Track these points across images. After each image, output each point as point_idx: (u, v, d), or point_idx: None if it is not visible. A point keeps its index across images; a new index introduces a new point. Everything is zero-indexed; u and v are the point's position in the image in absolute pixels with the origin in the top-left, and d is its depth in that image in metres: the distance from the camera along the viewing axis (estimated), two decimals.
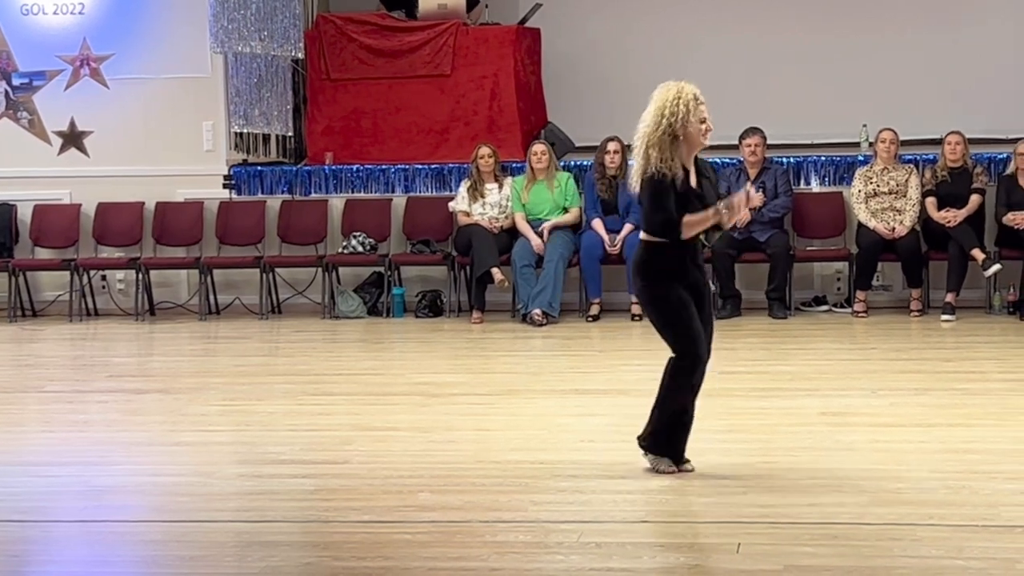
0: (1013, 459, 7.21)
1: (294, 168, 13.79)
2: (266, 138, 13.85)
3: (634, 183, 7.09)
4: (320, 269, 13.14)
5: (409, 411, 8.84)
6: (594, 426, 8.26)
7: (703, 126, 7.02)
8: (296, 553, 6.03)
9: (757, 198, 7.27)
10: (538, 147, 12.82)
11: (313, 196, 13.61)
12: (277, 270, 13.34)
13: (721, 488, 6.83)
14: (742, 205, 7.07)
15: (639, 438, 7.19)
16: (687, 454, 7.12)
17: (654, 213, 6.95)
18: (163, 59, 13.58)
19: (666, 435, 7.10)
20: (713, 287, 12.16)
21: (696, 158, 7.12)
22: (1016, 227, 11.99)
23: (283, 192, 13.65)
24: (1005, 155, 12.63)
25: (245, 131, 13.64)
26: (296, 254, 13.35)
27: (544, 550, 5.91)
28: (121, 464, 7.80)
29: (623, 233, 12.43)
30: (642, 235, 7.12)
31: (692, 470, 7.07)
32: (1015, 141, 12.47)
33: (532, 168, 12.71)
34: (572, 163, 13.26)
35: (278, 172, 13.74)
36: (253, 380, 10.14)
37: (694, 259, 7.07)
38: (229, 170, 13.70)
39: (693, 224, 6.94)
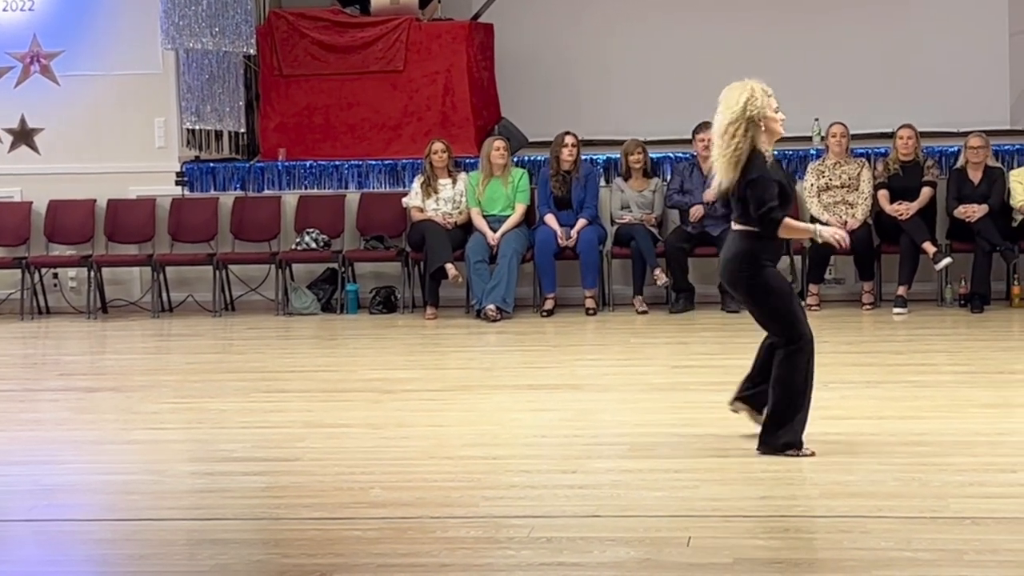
0: (962, 451, 7.25)
1: (247, 164, 13.75)
2: (218, 134, 13.78)
3: (723, 173, 7.14)
4: (273, 266, 13.10)
5: (362, 408, 8.82)
6: (547, 421, 8.26)
7: (778, 114, 7.22)
8: (246, 550, 6.00)
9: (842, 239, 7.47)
10: (499, 142, 12.81)
11: (266, 192, 13.58)
12: (230, 267, 13.30)
13: (673, 482, 6.84)
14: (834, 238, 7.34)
15: (766, 445, 7.18)
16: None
17: (764, 203, 7.03)
18: (114, 56, 13.51)
19: (803, 421, 7.16)
20: (667, 280, 12.27)
21: None
22: (967, 220, 12.06)
23: (236, 189, 13.61)
24: (956, 148, 12.70)
25: (197, 128, 13.58)
26: (249, 251, 13.31)
27: (494, 545, 5.91)
28: (72, 463, 7.76)
29: (577, 228, 12.45)
30: (740, 226, 7.19)
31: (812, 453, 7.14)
32: (966, 135, 12.56)
33: (490, 163, 12.70)
34: (524, 159, 13.27)
35: (231, 169, 13.69)
36: (206, 377, 10.10)
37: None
38: (181, 167, 13.65)
39: (792, 228, 7.25)
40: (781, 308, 7.18)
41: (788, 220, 7.17)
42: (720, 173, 7.16)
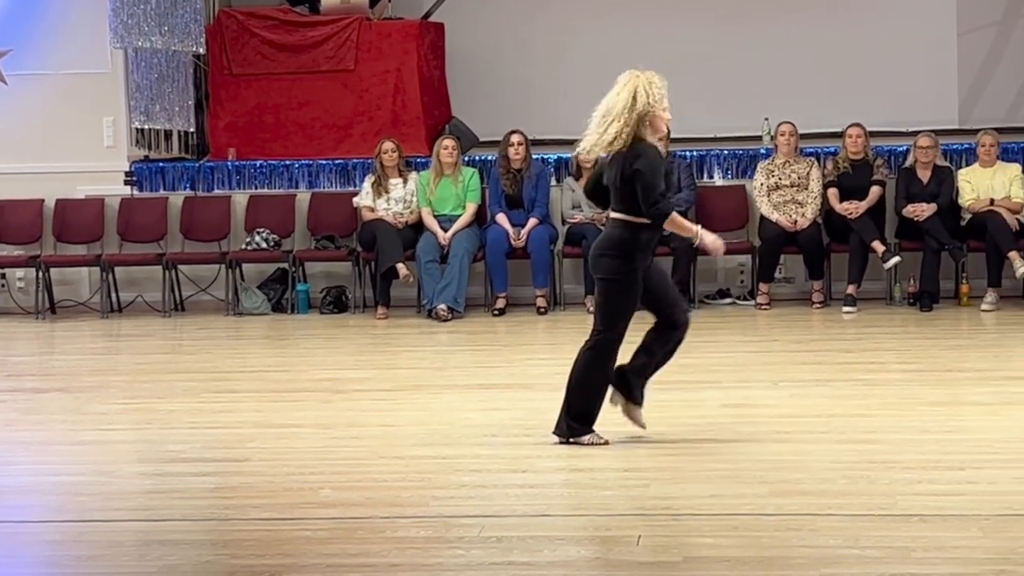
0: (911, 449, 7.28)
1: (196, 164, 13.69)
2: (168, 134, 13.72)
3: (592, 154, 7.47)
4: (223, 266, 13.05)
5: (313, 408, 8.79)
6: (498, 420, 8.25)
7: (666, 114, 7.38)
8: (195, 551, 5.97)
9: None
10: (448, 141, 12.81)
11: (216, 192, 13.52)
12: (180, 267, 13.24)
13: (622, 481, 6.85)
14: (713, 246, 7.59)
15: (562, 433, 7.44)
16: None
17: (653, 192, 7.18)
18: (62, 55, 13.43)
19: (598, 410, 7.45)
20: None
21: None
22: (916, 219, 12.12)
23: (185, 188, 13.56)
24: (905, 148, 12.77)
25: (146, 127, 13.51)
26: (199, 251, 13.26)
27: (444, 545, 5.90)
28: (20, 464, 7.73)
29: (528, 227, 12.45)
30: (619, 216, 7.33)
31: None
32: (915, 134, 12.62)
33: (440, 162, 12.69)
34: (476, 158, 13.27)
35: (180, 168, 13.64)
36: (155, 378, 10.05)
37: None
38: (130, 166, 13.58)
39: (677, 224, 7.44)
40: (620, 309, 7.35)
41: (675, 215, 7.36)
42: (596, 148, 7.37)
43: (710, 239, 7.52)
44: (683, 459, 7.22)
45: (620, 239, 7.33)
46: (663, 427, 7.88)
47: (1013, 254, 11.84)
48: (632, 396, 7.51)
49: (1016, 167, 12.38)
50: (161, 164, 13.66)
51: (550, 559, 5.68)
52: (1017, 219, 12.06)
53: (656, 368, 7.57)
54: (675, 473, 6.95)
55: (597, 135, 7.34)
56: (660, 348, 7.53)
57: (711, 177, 13.12)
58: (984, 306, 11.88)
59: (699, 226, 7.62)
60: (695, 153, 13.11)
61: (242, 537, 6.14)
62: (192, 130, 13.84)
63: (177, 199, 13.44)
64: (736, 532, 5.95)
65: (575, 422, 7.46)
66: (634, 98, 7.26)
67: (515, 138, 12.62)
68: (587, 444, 7.40)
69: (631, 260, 7.28)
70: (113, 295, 13.24)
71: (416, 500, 6.60)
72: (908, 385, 8.97)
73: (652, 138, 7.34)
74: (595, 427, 7.49)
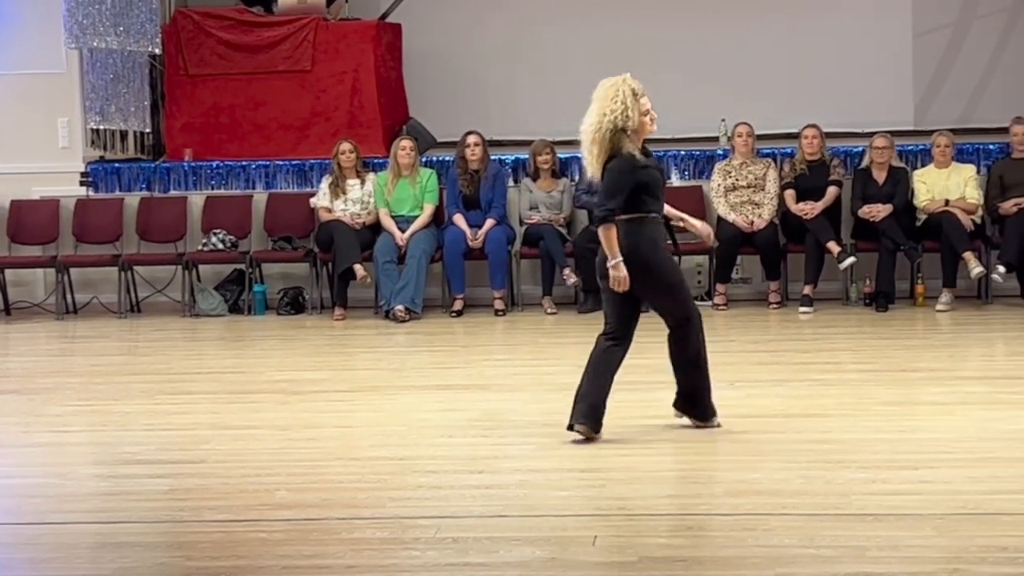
0: (866, 448, 7.31)
1: (152, 165, 13.64)
2: (123, 135, 13.66)
3: (594, 171, 7.70)
4: (180, 267, 13.00)
5: (269, 409, 8.77)
6: (454, 421, 8.25)
7: (647, 117, 7.62)
8: (149, 554, 5.94)
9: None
10: (405, 142, 12.80)
11: (172, 193, 13.48)
12: (136, 268, 13.19)
13: (579, 481, 6.86)
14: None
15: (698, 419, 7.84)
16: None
17: (600, 201, 7.65)
18: (16, 55, 13.36)
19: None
20: (576, 280, 12.28)
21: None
22: (871, 220, 12.17)
23: (141, 189, 13.51)
24: (861, 149, 12.83)
25: (102, 128, 13.45)
26: (155, 252, 13.22)
27: (400, 546, 5.89)
28: None
29: (485, 228, 12.45)
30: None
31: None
32: (871, 135, 12.68)
33: (398, 163, 12.68)
34: (434, 159, 13.26)
35: (136, 169, 13.59)
36: (110, 380, 10.01)
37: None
38: (86, 167, 13.53)
39: (607, 239, 7.56)
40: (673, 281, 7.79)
41: (610, 231, 7.52)
42: (591, 169, 7.73)
43: (614, 275, 7.57)
44: (639, 459, 7.23)
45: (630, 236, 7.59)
46: (619, 427, 7.89)
47: (968, 254, 11.90)
48: (699, 415, 7.83)
49: (971, 168, 12.46)
50: (117, 165, 13.60)
51: (506, 560, 5.68)
52: (972, 220, 12.13)
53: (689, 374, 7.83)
54: (631, 473, 6.96)
55: (587, 162, 7.78)
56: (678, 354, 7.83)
57: (668, 178, 13.11)
58: (939, 306, 11.94)
59: (618, 259, 7.56)
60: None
61: (197, 539, 6.12)
62: (148, 131, 13.78)
63: (133, 200, 13.40)
64: (691, 532, 5.97)
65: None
66: (600, 122, 7.54)
67: (471, 139, 12.62)
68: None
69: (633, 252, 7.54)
70: (68, 296, 13.18)
71: (372, 501, 6.59)
72: (863, 385, 9.00)
73: (631, 145, 7.55)
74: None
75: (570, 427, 7.54)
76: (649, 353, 10.31)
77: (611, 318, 7.71)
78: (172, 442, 7.95)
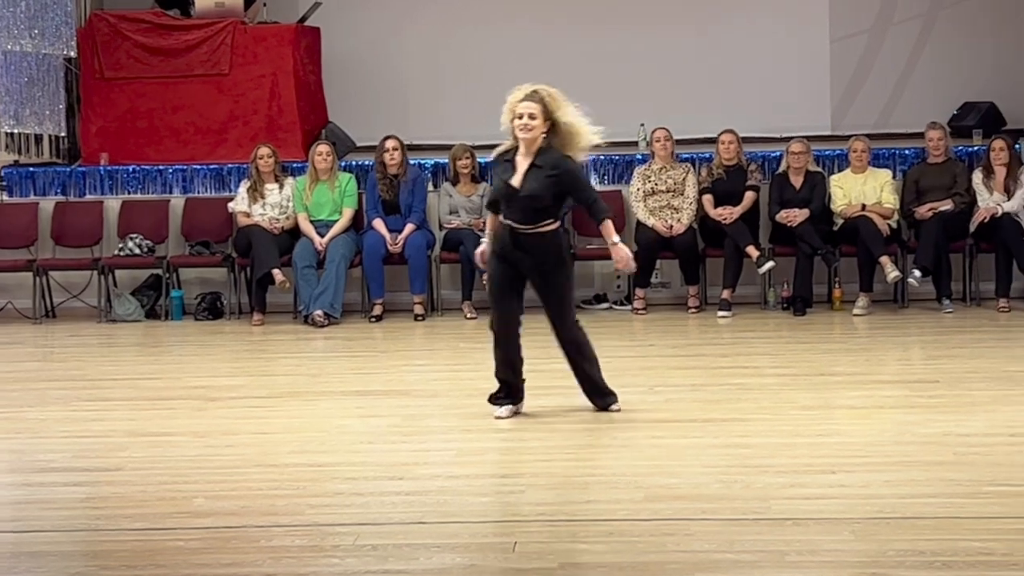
0: (784, 453, 7.34)
1: (68, 169, 13.50)
2: (38, 138, 13.54)
3: None
4: (96, 272, 12.87)
5: (187, 416, 8.69)
6: (374, 427, 8.21)
7: (513, 123, 8.00)
8: (65, 563, 5.87)
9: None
10: (322, 147, 12.74)
11: (88, 197, 13.35)
12: (51, 273, 13.04)
13: (499, 487, 6.86)
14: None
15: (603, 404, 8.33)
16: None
17: None
18: None
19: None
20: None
21: (551, 152, 8.02)
22: (789, 224, 12.24)
23: (57, 193, 13.37)
24: (778, 153, 12.89)
25: (16, 131, 13.32)
26: (71, 257, 13.08)
27: (320, 554, 5.86)
28: None
29: (405, 233, 12.41)
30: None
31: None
32: (788, 140, 12.75)
33: (315, 168, 12.62)
34: (354, 163, 13.21)
35: (51, 173, 13.45)
36: (25, 386, 9.88)
37: (526, 247, 8.10)
38: (0, 171, 13.35)
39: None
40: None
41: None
42: None
43: (479, 250, 8.45)
44: (559, 465, 7.23)
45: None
46: (539, 433, 7.91)
47: (884, 259, 11.99)
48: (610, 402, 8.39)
49: (887, 173, 12.56)
50: (31, 169, 13.46)
51: (426, 567, 5.67)
52: (888, 224, 12.23)
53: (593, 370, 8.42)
54: (550, 479, 6.96)
55: None
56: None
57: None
58: (856, 310, 12.02)
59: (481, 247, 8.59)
60: None
61: (114, 548, 6.06)
62: (63, 134, 13.66)
63: (48, 204, 13.26)
64: (612, 537, 5.96)
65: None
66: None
67: (390, 143, 12.58)
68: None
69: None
70: None
71: (291, 508, 6.55)
72: (781, 389, 9.05)
73: (524, 150, 8.13)
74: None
75: (607, 409, 8.30)
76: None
77: (570, 309, 8.33)
78: (88, 449, 7.87)
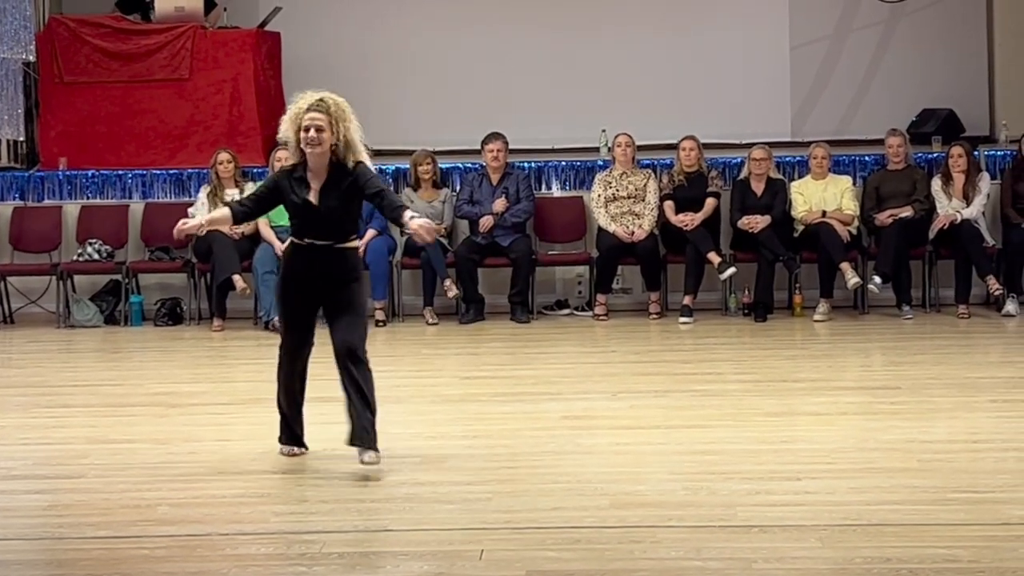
0: (749, 459, 7.35)
1: (26, 174, 13.42)
2: None
3: None
4: (54, 277, 12.79)
5: (148, 422, 8.64)
6: (338, 434, 8.08)
7: (304, 135, 7.27)
8: (29, 572, 5.83)
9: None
10: (281, 152, 12.62)
11: (46, 202, 13.27)
12: (9, 279, 12.97)
13: (465, 494, 6.82)
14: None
15: (360, 441, 7.26)
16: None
17: None
18: None
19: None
20: (458, 292, 12.26)
21: (344, 164, 7.33)
22: (750, 230, 12.27)
23: (15, 198, 13.30)
24: (739, 159, 12.93)
25: None
26: (29, 262, 13.00)
27: (286, 562, 5.83)
28: None
29: (366, 238, 12.37)
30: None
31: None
32: (749, 146, 12.79)
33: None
34: None
35: (9, 178, 13.37)
36: None
37: (328, 266, 7.42)
38: None
39: (217, 222, 8.03)
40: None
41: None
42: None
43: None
44: (524, 472, 7.22)
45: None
46: (504, 439, 7.89)
47: (845, 265, 12.04)
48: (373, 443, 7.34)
49: (847, 179, 12.60)
50: None
51: (392, 574, 5.64)
52: (848, 231, 12.27)
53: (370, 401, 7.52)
54: (516, 486, 6.94)
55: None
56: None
57: (549, 188, 13.18)
58: (816, 316, 12.06)
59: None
60: (533, 164, 13.15)
61: (77, 556, 6.01)
62: (22, 139, 13.58)
63: (6, 209, 13.18)
64: (579, 545, 5.95)
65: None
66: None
67: None
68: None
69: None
70: None
71: (256, 516, 6.52)
72: (744, 396, 9.06)
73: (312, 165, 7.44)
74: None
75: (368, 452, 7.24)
76: (534, 364, 10.35)
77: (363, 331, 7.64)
78: (49, 456, 7.81)
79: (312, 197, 7.33)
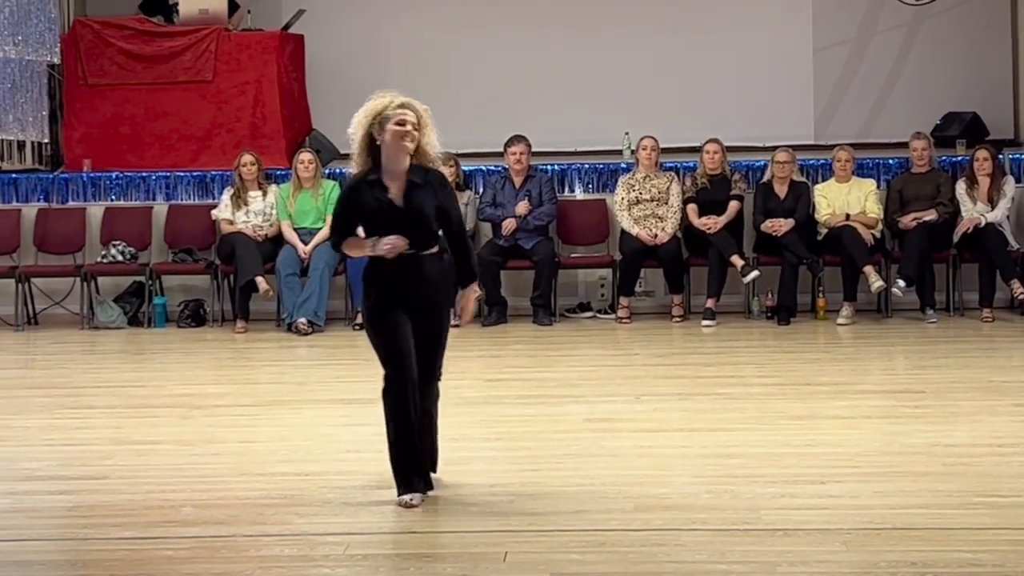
0: (773, 463, 7.33)
1: (51, 175, 13.46)
2: (21, 145, 13.48)
3: None
4: (78, 279, 12.83)
5: (172, 424, 8.65)
6: (361, 436, 8.16)
7: (399, 128, 6.79)
8: (53, 572, 5.84)
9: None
10: (305, 155, 12.72)
11: (71, 204, 13.31)
12: (33, 280, 13.00)
13: (488, 497, 6.81)
14: (392, 248, 6.70)
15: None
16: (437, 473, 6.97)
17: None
18: None
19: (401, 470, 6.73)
20: (480, 293, 12.24)
21: (423, 168, 6.86)
22: (773, 234, 12.25)
23: (39, 200, 13.33)
24: (762, 163, 12.91)
25: None
26: (53, 263, 13.04)
27: (310, 563, 5.83)
28: None
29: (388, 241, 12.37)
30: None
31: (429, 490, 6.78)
32: (772, 149, 12.77)
33: (298, 176, 12.61)
34: (337, 171, 13.18)
35: (34, 180, 13.41)
36: (8, 394, 9.84)
37: (415, 276, 6.76)
38: None
39: (351, 247, 6.91)
40: (373, 340, 6.85)
41: (347, 241, 6.91)
42: None
43: (387, 242, 6.67)
44: (548, 474, 7.20)
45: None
46: (528, 442, 7.88)
47: (868, 268, 12.01)
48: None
49: (871, 182, 12.58)
50: (14, 175, 13.41)
51: None
52: (872, 234, 12.25)
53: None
54: (540, 488, 6.93)
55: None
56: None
57: (572, 191, 13.17)
58: (840, 320, 12.04)
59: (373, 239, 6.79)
60: (556, 167, 13.15)
61: (101, 557, 6.02)
62: (46, 141, 13.62)
63: (31, 211, 13.21)
64: (603, 548, 5.94)
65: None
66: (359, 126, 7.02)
67: None
68: None
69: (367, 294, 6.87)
70: None
71: (280, 518, 6.52)
72: (768, 399, 9.03)
73: (392, 164, 6.86)
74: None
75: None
76: (557, 367, 10.34)
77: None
78: (73, 457, 7.83)
79: (394, 198, 6.78)
